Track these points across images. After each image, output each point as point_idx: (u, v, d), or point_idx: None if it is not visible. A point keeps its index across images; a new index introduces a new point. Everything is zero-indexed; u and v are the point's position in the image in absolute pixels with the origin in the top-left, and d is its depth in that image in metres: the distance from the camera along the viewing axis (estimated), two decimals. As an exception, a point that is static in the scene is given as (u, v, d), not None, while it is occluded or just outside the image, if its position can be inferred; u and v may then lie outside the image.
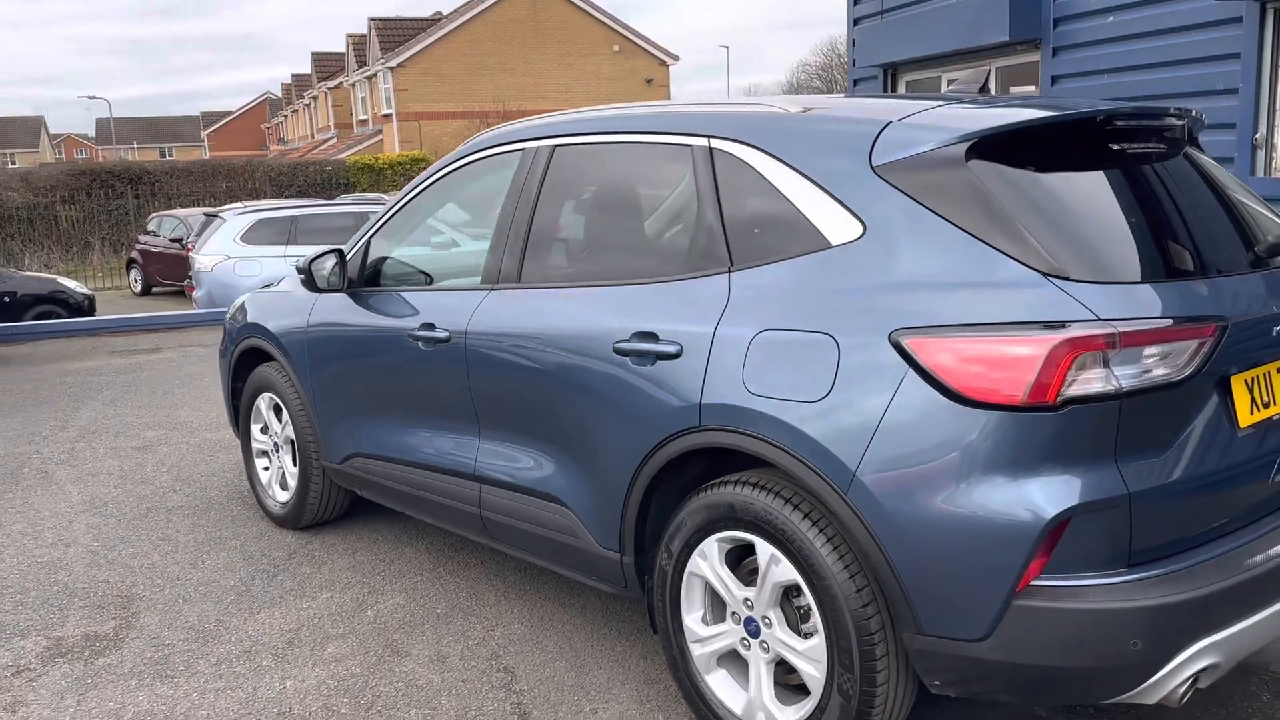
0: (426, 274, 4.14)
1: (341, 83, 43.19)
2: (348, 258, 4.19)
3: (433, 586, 4.14)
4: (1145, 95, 6.84)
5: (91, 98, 65.32)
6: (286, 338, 4.56)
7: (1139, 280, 2.35)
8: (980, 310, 2.33)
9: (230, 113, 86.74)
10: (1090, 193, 2.53)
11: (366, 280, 4.19)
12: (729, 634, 2.86)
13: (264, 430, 4.98)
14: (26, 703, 3.31)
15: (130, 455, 6.46)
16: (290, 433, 4.70)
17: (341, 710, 3.19)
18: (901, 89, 9.72)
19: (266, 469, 5.03)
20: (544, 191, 3.46)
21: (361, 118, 40.44)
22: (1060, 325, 2.23)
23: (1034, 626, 2.27)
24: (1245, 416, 2.48)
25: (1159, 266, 2.42)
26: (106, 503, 5.45)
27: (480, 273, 3.65)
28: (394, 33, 35.82)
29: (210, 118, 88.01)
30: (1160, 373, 2.28)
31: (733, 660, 2.90)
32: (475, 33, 34.51)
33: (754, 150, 2.84)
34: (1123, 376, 2.23)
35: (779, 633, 2.71)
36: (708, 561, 2.85)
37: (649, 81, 37.96)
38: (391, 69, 34.13)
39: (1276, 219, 2.90)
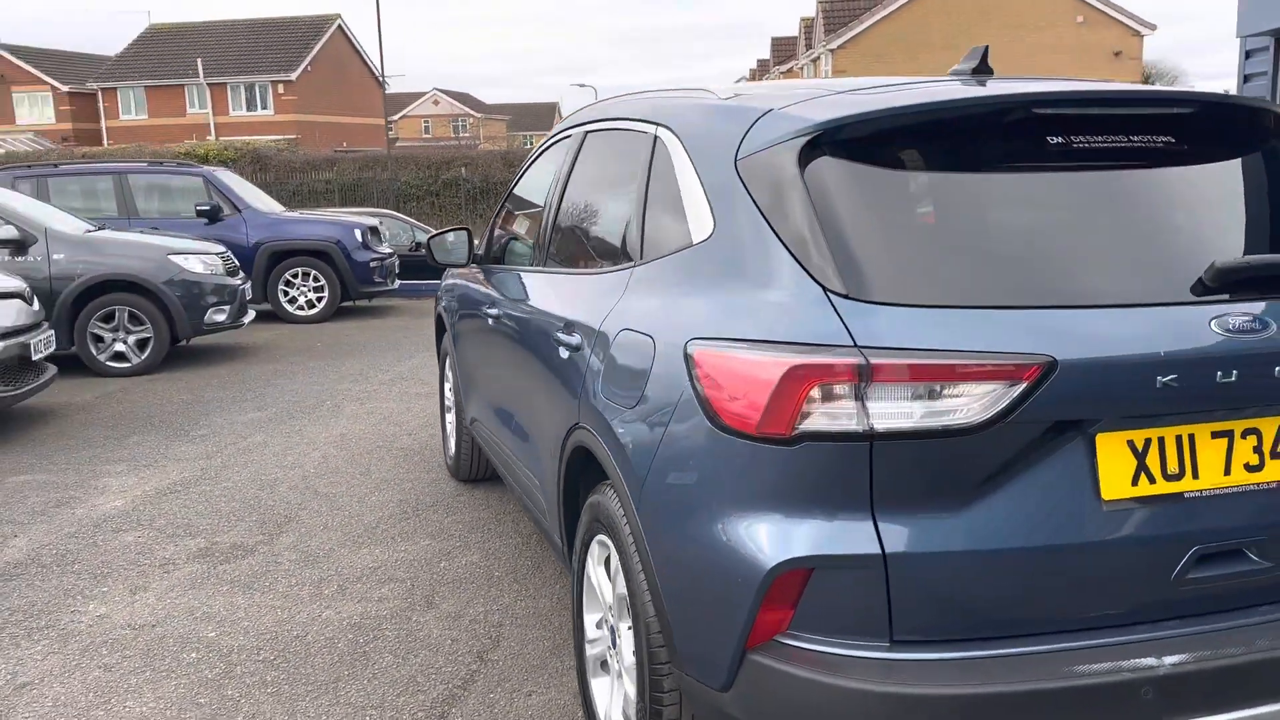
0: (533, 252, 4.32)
1: (792, 67, 44.10)
2: (477, 235, 4.49)
3: (512, 550, 4.34)
4: None
5: (581, 85, 72.80)
6: (446, 305, 4.99)
7: (948, 304, 1.91)
8: (752, 324, 2.04)
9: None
10: (948, 196, 2.08)
11: (493, 258, 4.45)
12: (602, 640, 2.75)
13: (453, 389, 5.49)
14: (147, 589, 4.04)
15: (408, 400, 7.37)
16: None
17: (339, 645, 3.52)
18: (1296, 59, 8.00)
19: (451, 424, 5.53)
20: (570, 178, 3.49)
21: (809, 99, 40.79)
22: (805, 348, 1.90)
23: (768, 688, 1.96)
24: (1113, 487, 1.91)
25: (993, 290, 1.94)
26: (353, 437, 6.31)
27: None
28: (839, 14, 35.80)
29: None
30: (945, 417, 1.85)
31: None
32: (920, 9, 33.42)
33: (675, 138, 2.67)
34: (878, 414, 1.85)
35: (623, 646, 2.57)
36: (592, 562, 2.76)
37: (1116, 54, 34.37)
38: (832, 51, 34.19)
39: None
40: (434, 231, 4.60)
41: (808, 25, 40.22)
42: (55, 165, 11.94)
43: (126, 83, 45.76)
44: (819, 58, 36.59)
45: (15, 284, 6.57)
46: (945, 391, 1.85)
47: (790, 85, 2.67)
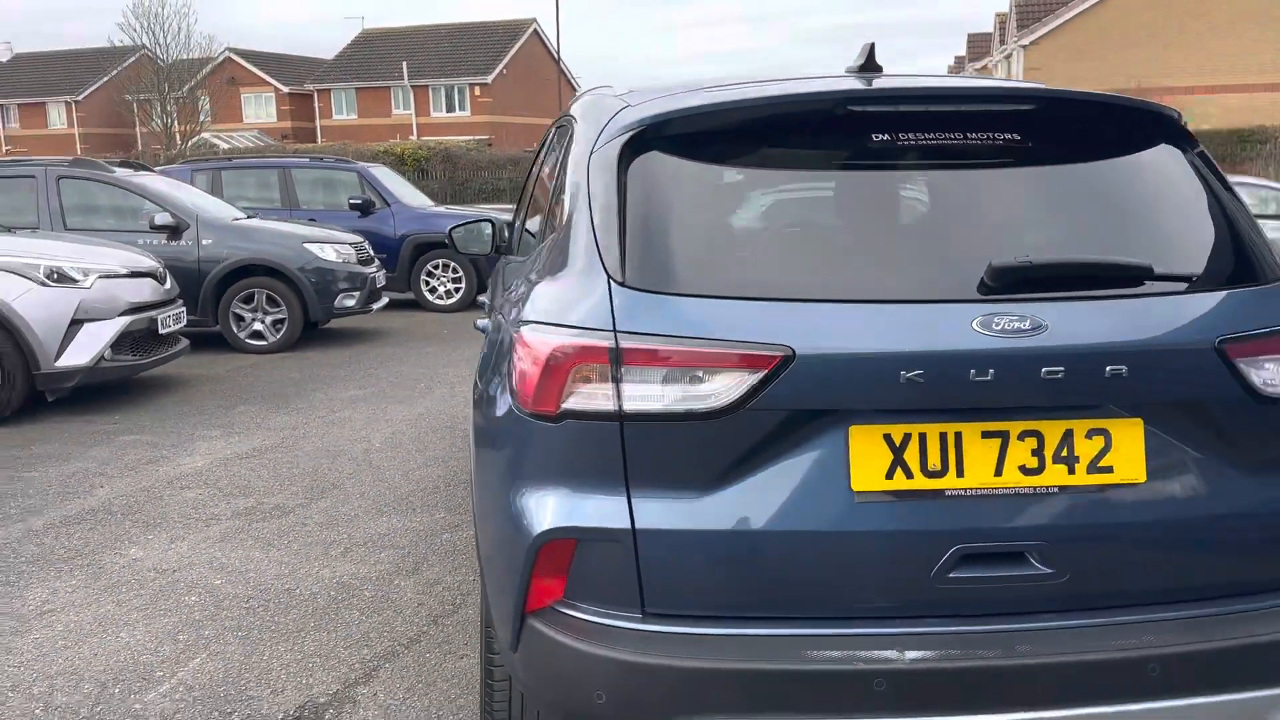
0: (512, 240, 4.47)
1: (986, 64, 42.46)
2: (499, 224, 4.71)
3: (515, 528, 4.53)
4: None
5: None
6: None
7: (708, 295, 1.97)
8: (551, 308, 2.15)
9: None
10: (731, 192, 2.14)
11: (509, 248, 4.65)
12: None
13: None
14: (184, 539, 4.47)
15: (496, 386, 7.70)
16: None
17: (319, 599, 3.81)
18: None
19: (502, 407, 5.79)
20: (540, 169, 3.65)
21: (1001, 99, 39.10)
22: (573, 330, 2.00)
23: (539, 650, 2.07)
24: (865, 479, 1.90)
25: (750, 283, 2.00)
26: (429, 416, 6.68)
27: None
28: (1034, 9, 34.17)
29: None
30: (690, 401, 1.91)
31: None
32: (1123, 1, 31.48)
33: (578, 131, 2.79)
34: (629, 396, 1.93)
35: (491, 617, 2.71)
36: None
37: (1349, 50, 31.27)
38: (1024, 47, 32.67)
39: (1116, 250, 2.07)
40: (457, 222, 4.84)
41: (1002, 21, 38.64)
42: (229, 160, 13.09)
43: (339, 84, 49.05)
44: (1011, 54, 35.12)
45: (149, 263, 7.30)
46: (690, 377, 1.90)
47: (670, 85, 2.73)
